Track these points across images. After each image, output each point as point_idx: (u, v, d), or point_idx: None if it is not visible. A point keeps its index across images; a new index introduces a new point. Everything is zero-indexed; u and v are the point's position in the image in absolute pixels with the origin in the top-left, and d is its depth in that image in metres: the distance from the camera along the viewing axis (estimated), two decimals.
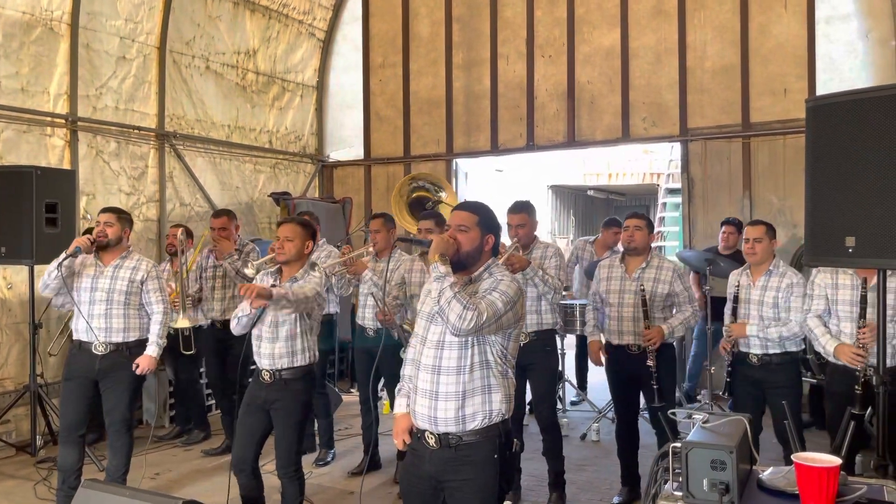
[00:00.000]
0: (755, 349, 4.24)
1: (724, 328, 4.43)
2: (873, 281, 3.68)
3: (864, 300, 3.58)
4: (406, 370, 2.83)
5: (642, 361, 4.31)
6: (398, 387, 2.87)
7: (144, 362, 4.22)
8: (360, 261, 4.79)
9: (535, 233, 4.56)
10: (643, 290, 4.30)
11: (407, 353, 2.84)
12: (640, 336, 4.32)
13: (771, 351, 4.21)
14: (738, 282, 4.39)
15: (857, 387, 3.50)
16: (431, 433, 2.61)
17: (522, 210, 4.46)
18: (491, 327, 2.51)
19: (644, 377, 4.34)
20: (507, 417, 2.65)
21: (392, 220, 5.23)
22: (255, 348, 3.79)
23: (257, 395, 3.75)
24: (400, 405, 2.81)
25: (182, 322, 5.14)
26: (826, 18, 6.80)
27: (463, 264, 2.65)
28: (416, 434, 2.70)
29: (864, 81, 6.52)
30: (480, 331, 2.50)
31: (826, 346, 3.84)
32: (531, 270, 4.24)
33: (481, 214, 2.69)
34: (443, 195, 5.37)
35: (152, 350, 4.26)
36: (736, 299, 4.32)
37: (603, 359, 4.57)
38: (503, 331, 2.59)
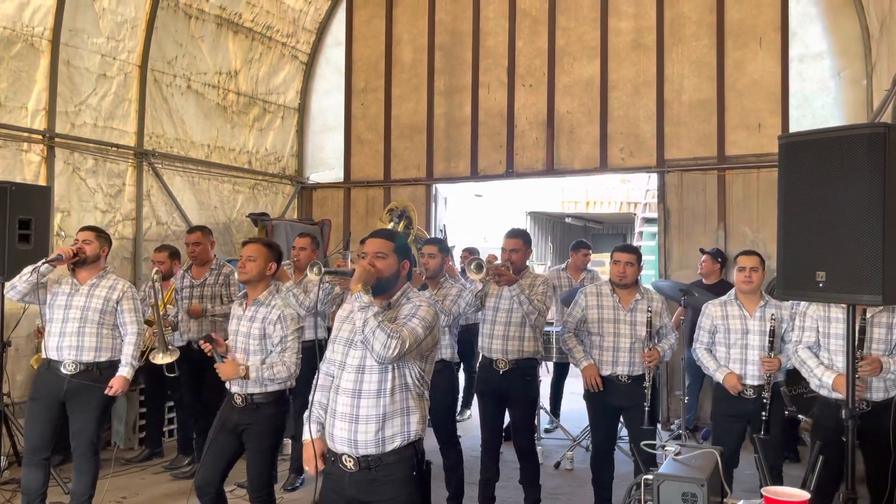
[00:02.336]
0: (750, 380, 4.18)
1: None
2: (870, 313, 3.66)
3: (862, 331, 3.53)
4: (315, 396, 2.87)
5: (632, 392, 4.29)
6: (306, 413, 2.91)
7: (118, 383, 4.15)
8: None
9: (528, 263, 4.62)
10: (650, 314, 4.32)
11: (318, 379, 2.89)
12: (635, 366, 4.30)
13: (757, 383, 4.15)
14: (726, 312, 4.30)
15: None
16: (350, 456, 2.65)
17: (518, 236, 4.56)
18: (412, 353, 2.63)
19: (632, 407, 4.30)
20: (422, 436, 2.74)
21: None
22: None
23: (229, 419, 3.71)
24: (310, 431, 2.86)
25: (164, 359, 5.01)
26: (799, 57, 6.97)
27: (382, 289, 2.73)
28: (331, 458, 2.74)
29: (835, 119, 6.69)
30: (403, 357, 2.59)
31: (823, 377, 3.72)
32: (517, 287, 4.29)
33: (397, 241, 2.81)
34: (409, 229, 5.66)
35: (125, 371, 4.18)
36: (773, 333, 4.12)
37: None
38: (422, 354, 2.70)
